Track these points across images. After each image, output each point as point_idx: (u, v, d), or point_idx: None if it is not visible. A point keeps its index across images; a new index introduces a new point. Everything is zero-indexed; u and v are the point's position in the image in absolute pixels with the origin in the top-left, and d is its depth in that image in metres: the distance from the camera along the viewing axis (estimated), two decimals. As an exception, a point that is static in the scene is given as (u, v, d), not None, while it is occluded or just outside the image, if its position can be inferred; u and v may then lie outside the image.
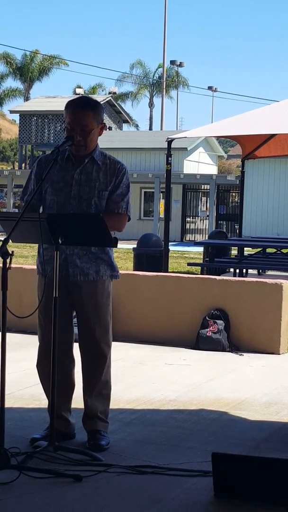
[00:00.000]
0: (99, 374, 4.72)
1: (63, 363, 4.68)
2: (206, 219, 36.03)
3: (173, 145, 13.39)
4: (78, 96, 4.83)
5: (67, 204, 4.63)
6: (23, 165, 44.82)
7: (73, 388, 4.82)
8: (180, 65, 56.61)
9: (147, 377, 6.70)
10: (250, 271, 15.41)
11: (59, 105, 39.63)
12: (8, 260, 4.06)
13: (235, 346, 8.00)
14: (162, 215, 30.44)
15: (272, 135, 14.48)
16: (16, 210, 34.91)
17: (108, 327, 4.74)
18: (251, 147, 15.08)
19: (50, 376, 4.43)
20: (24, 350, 7.52)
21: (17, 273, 8.31)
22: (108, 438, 4.72)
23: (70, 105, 4.65)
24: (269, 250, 15.53)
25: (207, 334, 7.97)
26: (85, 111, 4.60)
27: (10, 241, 4.18)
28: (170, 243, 14.02)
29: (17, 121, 48.08)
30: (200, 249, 19.68)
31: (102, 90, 59.46)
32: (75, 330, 4.81)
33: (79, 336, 4.75)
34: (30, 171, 4.84)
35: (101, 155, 4.73)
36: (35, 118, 41.99)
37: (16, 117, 50.27)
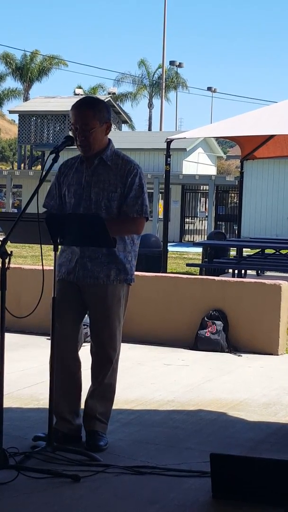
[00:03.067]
0: (103, 376, 4.72)
1: (67, 363, 4.69)
2: (205, 219, 36.04)
3: (172, 145, 13.39)
4: (72, 97, 4.85)
5: (79, 206, 4.65)
6: (22, 165, 44.81)
7: (79, 390, 4.80)
8: (180, 65, 56.63)
9: (146, 377, 6.70)
10: (248, 272, 15.42)
11: (59, 105, 39.61)
12: (7, 260, 4.07)
13: (234, 346, 8.00)
14: (161, 215, 30.44)
15: (271, 136, 14.49)
16: (15, 210, 34.99)
17: (116, 332, 4.72)
18: (250, 148, 15.09)
19: (56, 376, 4.44)
20: (22, 350, 7.52)
21: (16, 273, 8.31)
22: (107, 438, 4.72)
23: (73, 105, 4.69)
24: (267, 251, 15.54)
25: (206, 335, 7.97)
26: (84, 111, 4.61)
27: (9, 241, 4.18)
28: (169, 244, 14.02)
29: (16, 121, 48.08)
30: (199, 249, 19.68)
31: (103, 91, 59.48)
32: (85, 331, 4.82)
33: (90, 337, 4.77)
34: (55, 176, 4.86)
35: (113, 155, 4.71)
36: (34, 118, 41.97)
37: (15, 117, 50.28)
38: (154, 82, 59.67)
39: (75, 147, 4.71)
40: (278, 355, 7.86)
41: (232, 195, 36.18)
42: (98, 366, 4.72)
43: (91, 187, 4.65)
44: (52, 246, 4.43)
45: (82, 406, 4.83)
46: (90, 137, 4.61)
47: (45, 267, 4.58)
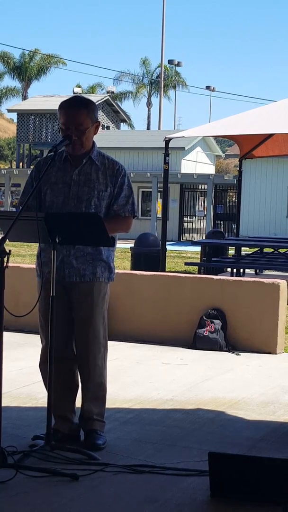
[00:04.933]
0: (92, 376, 4.71)
1: (64, 363, 4.69)
2: (203, 218, 36.06)
3: (170, 144, 13.39)
4: (71, 96, 4.91)
5: (66, 205, 4.64)
6: (21, 164, 44.82)
7: (77, 389, 4.82)
8: (178, 64, 56.61)
9: (144, 376, 6.70)
10: (247, 270, 15.42)
11: (57, 104, 39.13)
12: (5, 259, 4.07)
13: (232, 345, 8.00)
14: (159, 214, 30.47)
15: (270, 135, 14.49)
16: (14, 209, 35.05)
17: (100, 329, 4.72)
18: (249, 146, 15.09)
19: (52, 376, 4.44)
20: (21, 349, 7.53)
21: (14, 272, 8.30)
22: (105, 437, 4.73)
23: (63, 105, 4.67)
24: (266, 249, 15.53)
25: (204, 334, 7.97)
26: (78, 111, 4.62)
27: (7, 240, 4.18)
28: (167, 243, 14.02)
29: (15, 120, 48.09)
30: (198, 248, 19.70)
31: (101, 90, 59.49)
32: None
33: (75, 336, 4.75)
34: (29, 174, 4.84)
35: (99, 155, 4.74)
36: (33, 117, 42.00)
37: (14, 116, 50.31)
38: (153, 81, 59.67)
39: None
40: (276, 354, 7.86)
41: (231, 194, 36.20)
42: (85, 366, 4.71)
43: (78, 186, 4.65)
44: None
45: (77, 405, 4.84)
46: (83, 136, 4.62)
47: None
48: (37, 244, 4.64)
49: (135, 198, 4.88)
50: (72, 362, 4.75)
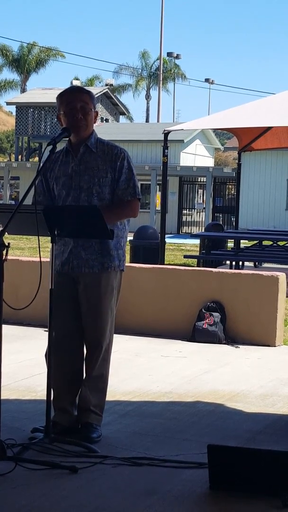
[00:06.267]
0: (93, 367, 4.71)
1: (68, 355, 4.69)
2: (202, 211, 36.03)
3: (169, 137, 13.38)
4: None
5: (70, 196, 4.65)
6: (20, 157, 44.75)
7: (80, 382, 4.79)
8: (177, 57, 56.51)
9: (143, 369, 6.70)
10: (246, 263, 15.43)
11: (56, 97, 39.55)
12: (4, 252, 4.07)
13: (231, 338, 8.01)
14: (158, 207, 30.45)
15: (269, 128, 14.49)
16: (13, 202, 35.08)
17: (107, 321, 4.72)
18: (248, 139, 15.09)
19: (57, 367, 4.44)
20: (20, 342, 7.53)
21: (13, 265, 8.30)
22: (100, 431, 4.71)
23: (63, 93, 4.75)
24: (265, 242, 15.53)
25: (203, 326, 7.98)
26: (82, 93, 4.72)
27: (6, 233, 4.18)
28: (166, 236, 14.02)
29: (14, 113, 47.97)
30: (197, 241, 19.70)
31: (99, 82, 59.39)
32: None
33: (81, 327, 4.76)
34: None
35: (97, 142, 4.74)
36: (31, 110, 41.93)
37: (13, 108, 50.22)
38: (152, 73, 59.56)
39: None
40: (275, 346, 7.87)
41: (230, 186, 36.18)
42: (89, 355, 4.72)
43: (80, 176, 4.66)
44: (49, 238, 4.43)
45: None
46: (88, 116, 4.65)
47: (42, 259, 4.58)
48: (37, 238, 4.63)
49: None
50: (76, 354, 4.75)
